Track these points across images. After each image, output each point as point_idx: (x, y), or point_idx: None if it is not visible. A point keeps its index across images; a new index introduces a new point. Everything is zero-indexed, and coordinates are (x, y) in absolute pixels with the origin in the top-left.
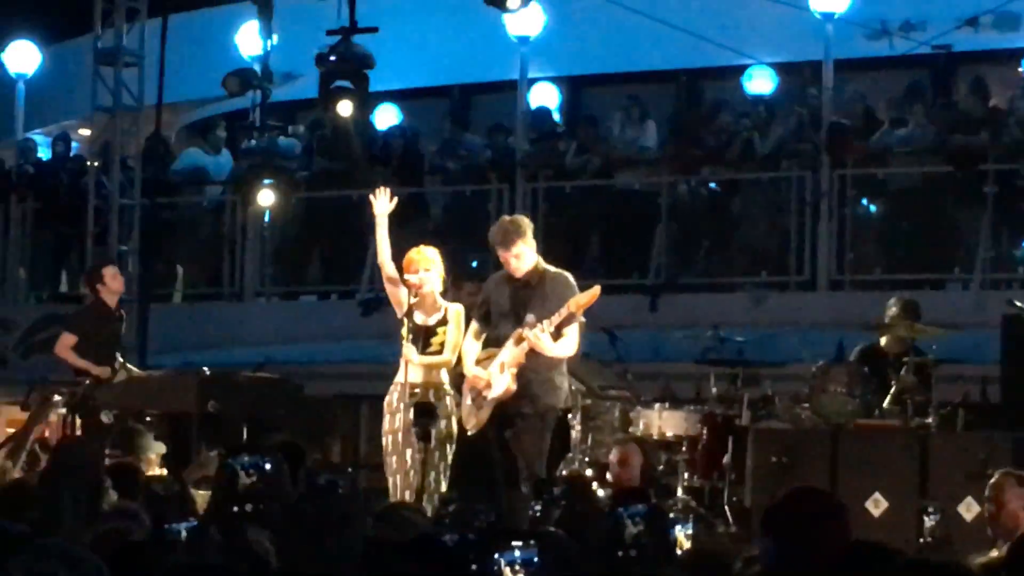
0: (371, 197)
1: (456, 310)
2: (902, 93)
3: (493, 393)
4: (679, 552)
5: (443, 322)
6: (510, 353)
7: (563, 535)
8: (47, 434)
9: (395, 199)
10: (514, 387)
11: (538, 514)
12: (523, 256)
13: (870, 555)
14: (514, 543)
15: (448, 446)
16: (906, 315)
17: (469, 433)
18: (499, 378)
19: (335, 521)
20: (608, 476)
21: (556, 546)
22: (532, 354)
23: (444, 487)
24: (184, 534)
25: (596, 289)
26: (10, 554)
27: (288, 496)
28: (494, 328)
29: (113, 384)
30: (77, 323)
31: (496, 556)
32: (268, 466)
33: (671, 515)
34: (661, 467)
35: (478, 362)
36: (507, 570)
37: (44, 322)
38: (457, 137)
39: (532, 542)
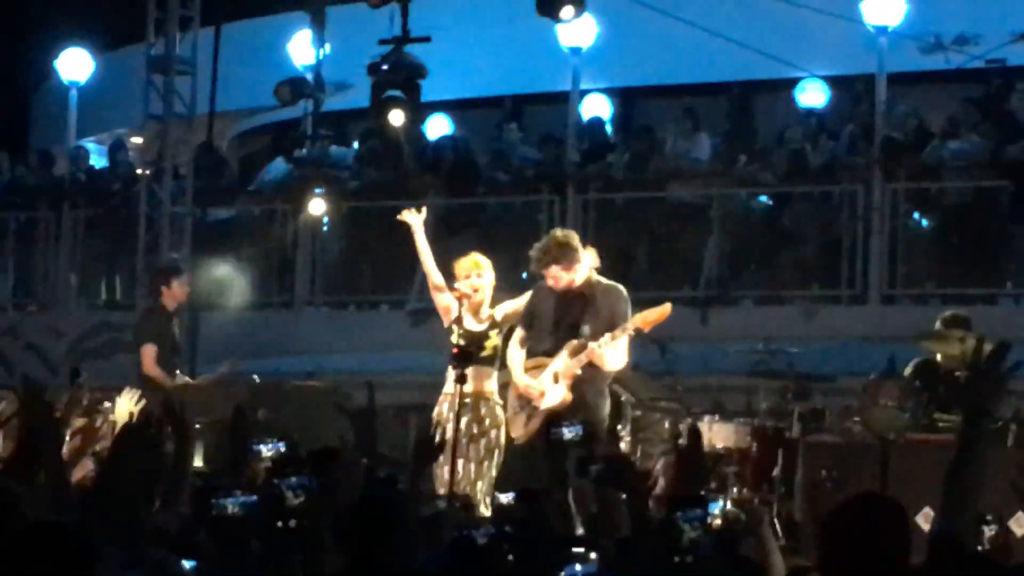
0: (407, 215)
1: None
2: (956, 107)
3: (547, 403)
4: None
5: (494, 325)
6: (564, 364)
7: (614, 547)
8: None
9: (424, 210)
10: (570, 398)
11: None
12: (561, 278)
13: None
14: (576, 561)
15: (494, 457)
16: (952, 329)
17: (516, 442)
18: (553, 388)
19: (395, 515)
20: (661, 482)
21: (613, 556)
22: (588, 365)
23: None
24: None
25: (667, 306)
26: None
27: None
28: (538, 337)
29: (163, 391)
30: (151, 332)
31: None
32: (315, 484)
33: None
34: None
35: (525, 370)
36: None
37: (95, 330)
38: (512, 141)
39: (592, 555)
